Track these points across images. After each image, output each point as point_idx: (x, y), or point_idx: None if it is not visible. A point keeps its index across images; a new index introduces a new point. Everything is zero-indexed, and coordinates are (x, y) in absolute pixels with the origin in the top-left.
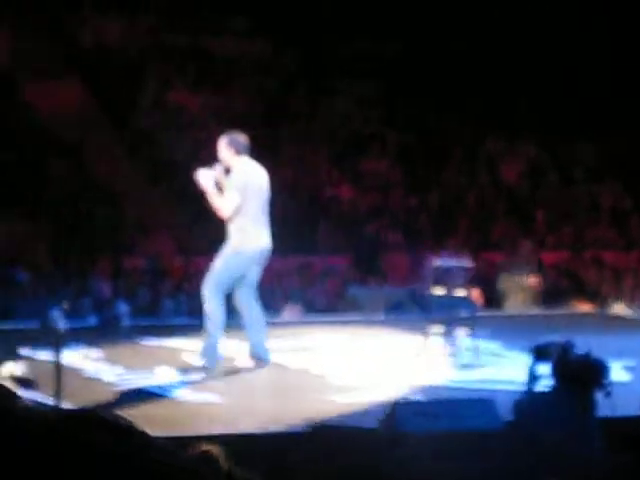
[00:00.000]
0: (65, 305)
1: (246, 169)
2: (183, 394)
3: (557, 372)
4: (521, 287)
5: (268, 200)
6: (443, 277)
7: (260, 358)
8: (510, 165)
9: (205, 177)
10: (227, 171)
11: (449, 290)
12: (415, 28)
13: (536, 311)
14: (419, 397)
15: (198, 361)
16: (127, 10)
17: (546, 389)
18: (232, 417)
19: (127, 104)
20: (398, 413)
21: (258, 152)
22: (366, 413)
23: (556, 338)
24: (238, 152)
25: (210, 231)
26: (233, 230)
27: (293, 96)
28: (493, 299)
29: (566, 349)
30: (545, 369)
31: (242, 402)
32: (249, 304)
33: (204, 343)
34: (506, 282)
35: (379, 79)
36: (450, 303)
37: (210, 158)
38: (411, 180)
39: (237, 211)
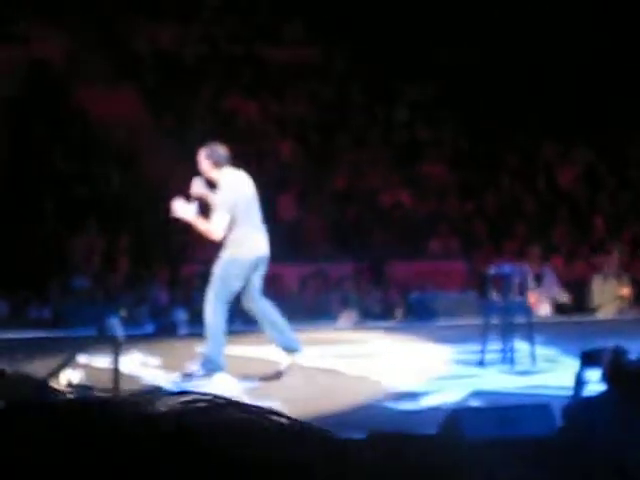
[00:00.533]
0: (123, 312)
1: (231, 183)
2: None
3: (609, 377)
4: (613, 297)
5: (258, 205)
6: (500, 283)
7: (292, 349)
8: (567, 170)
9: (182, 210)
10: (209, 183)
11: (506, 296)
12: (471, 34)
13: (594, 317)
14: (477, 403)
15: (198, 371)
16: (182, 17)
17: (594, 394)
18: None
19: (182, 111)
20: (458, 419)
21: (315, 159)
22: (424, 419)
23: (609, 343)
24: (218, 164)
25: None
26: (228, 242)
27: (349, 102)
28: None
29: (618, 354)
30: (595, 374)
31: (300, 408)
32: (257, 305)
33: (204, 352)
34: (597, 292)
35: (435, 84)
36: (507, 309)
37: (266, 163)
38: (467, 185)
39: (230, 226)
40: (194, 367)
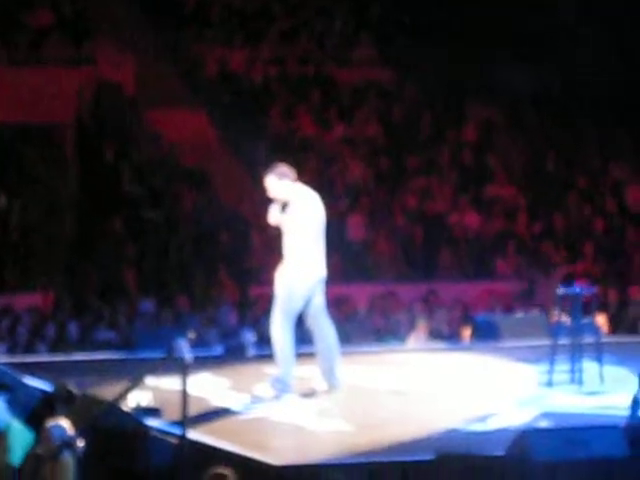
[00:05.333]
0: (191, 334)
1: (302, 199)
2: (309, 422)
3: None
4: None
5: (324, 226)
6: (569, 303)
7: (331, 384)
8: (636, 189)
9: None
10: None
11: (575, 316)
12: (538, 58)
13: None
14: (545, 424)
15: (269, 391)
16: (252, 39)
17: None
18: (358, 445)
19: (252, 132)
20: (527, 440)
21: (384, 180)
22: (492, 440)
23: None
24: (291, 178)
25: (334, 258)
26: (291, 261)
27: (418, 124)
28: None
29: None
30: None
31: (368, 430)
32: (320, 330)
33: (275, 373)
34: None
35: (503, 106)
36: (576, 329)
37: (336, 182)
38: (536, 206)
39: (293, 243)
40: (264, 388)
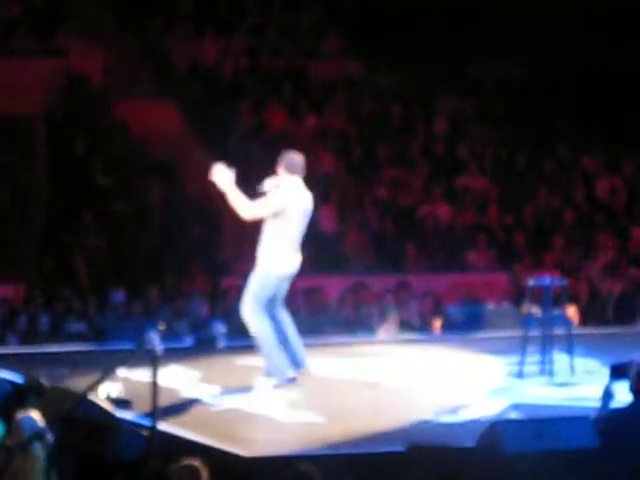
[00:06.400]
0: (161, 326)
1: (290, 192)
2: (280, 414)
3: (636, 389)
4: None
5: (307, 223)
6: (539, 295)
7: (297, 365)
8: (605, 181)
9: (221, 175)
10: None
11: (545, 307)
12: (509, 49)
13: (634, 329)
14: (516, 416)
15: (268, 382)
16: (222, 32)
17: (622, 406)
18: (329, 436)
19: (222, 125)
20: (497, 432)
21: (355, 172)
22: (463, 432)
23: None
24: (290, 171)
25: (305, 249)
26: (267, 252)
27: (388, 116)
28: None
29: None
30: (623, 387)
31: (339, 422)
32: (277, 317)
33: (265, 363)
34: None
35: (474, 98)
36: (546, 321)
37: (307, 175)
38: (506, 198)
39: (271, 235)
40: (262, 381)
